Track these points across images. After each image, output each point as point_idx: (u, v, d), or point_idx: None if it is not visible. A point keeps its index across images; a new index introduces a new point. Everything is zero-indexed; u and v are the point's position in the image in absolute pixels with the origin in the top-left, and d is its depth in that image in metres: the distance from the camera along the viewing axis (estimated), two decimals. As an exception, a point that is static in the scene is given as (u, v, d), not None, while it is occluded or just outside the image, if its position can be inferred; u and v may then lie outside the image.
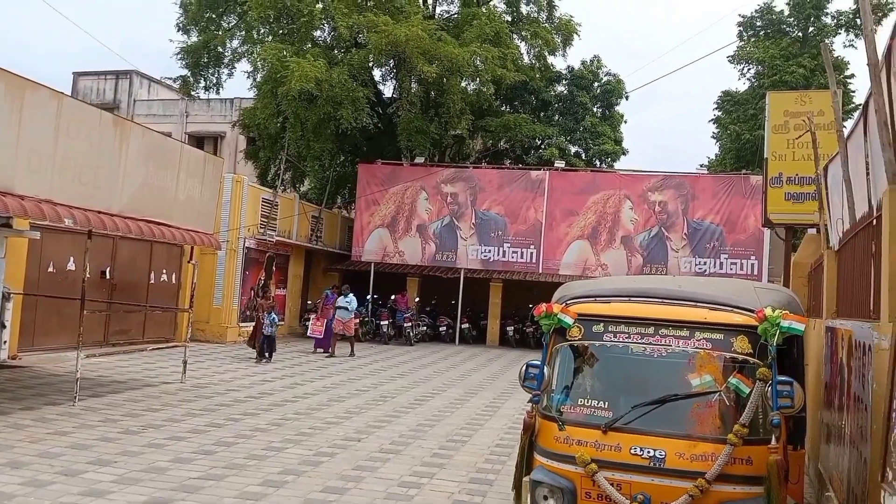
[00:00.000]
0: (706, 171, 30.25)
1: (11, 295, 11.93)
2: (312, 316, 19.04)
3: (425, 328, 23.07)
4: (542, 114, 28.63)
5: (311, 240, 23.74)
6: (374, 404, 11.04)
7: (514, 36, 26.03)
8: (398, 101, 25.01)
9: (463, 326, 23.29)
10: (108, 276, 15.46)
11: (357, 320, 18.79)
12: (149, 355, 14.57)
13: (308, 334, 18.96)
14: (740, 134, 27.92)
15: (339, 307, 17.21)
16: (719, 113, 31.27)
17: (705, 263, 22.43)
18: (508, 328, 23.19)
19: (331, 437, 8.55)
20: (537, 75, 27.28)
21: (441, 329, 23.37)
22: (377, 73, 25.74)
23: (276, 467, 7.07)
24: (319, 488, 6.47)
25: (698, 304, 4.69)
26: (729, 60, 29.56)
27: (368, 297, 22.80)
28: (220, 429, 8.63)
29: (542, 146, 28.62)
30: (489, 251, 23.57)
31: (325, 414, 10.02)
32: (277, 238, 21.29)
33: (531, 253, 23.34)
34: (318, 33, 24.68)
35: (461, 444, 8.71)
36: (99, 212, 9.23)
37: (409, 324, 21.69)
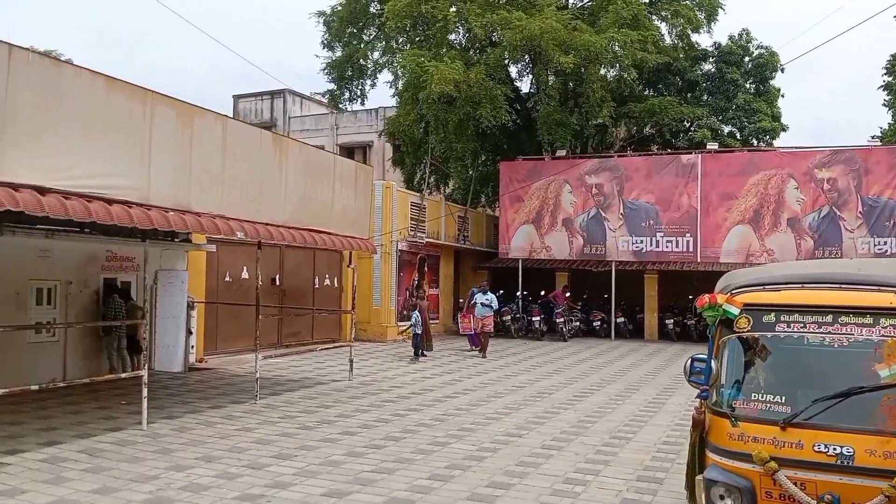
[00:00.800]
0: (879, 143, 27.47)
1: (195, 303, 13.13)
2: (460, 314, 19.40)
3: (578, 323, 22.72)
4: (689, 95, 27.30)
5: (458, 239, 24.15)
6: (532, 401, 11.03)
7: (654, 17, 25.01)
8: (536, 96, 24.84)
9: (618, 320, 22.68)
10: (277, 283, 16.60)
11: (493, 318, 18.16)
12: (318, 355, 15.48)
13: (461, 332, 19.30)
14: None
15: (482, 304, 17.04)
16: (890, 78, 28.27)
17: (885, 243, 20.41)
18: (667, 321, 22.29)
19: (492, 433, 8.65)
20: (681, 55, 26.05)
21: (595, 324, 22.90)
22: (513, 70, 25.72)
23: (442, 462, 7.26)
24: (485, 483, 6.56)
25: (882, 287, 4.27)
26: (897, 19, 26.67)
27: (518, 293, 22.83)
28: (388, 424, 8.99)
29: (692, 128, 27.28)
30: (641, 241, 22.81)
31: (485, 410, 10.15)
32: (427, 239, 21.85)
33: (687, 241, 22.33)
34: (453, 36, 25.04)
35: (626, 440, 8.49)
36: (266, 224, 9.91)
37: (562, 319, 21.45)
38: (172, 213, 8.18)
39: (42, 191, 6.72)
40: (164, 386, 11.14)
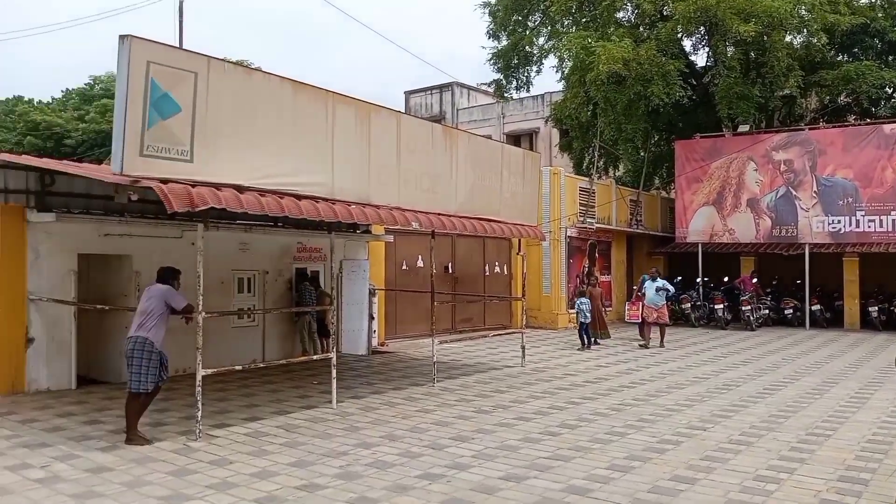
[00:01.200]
0: None
1: (376, 291, 13.82)
2: (628, 301, 18.77)
3: (767, 311, 21.09)
4: (890, 58, 24.32)
5: (631, 224, 23.39)
6: (716, 393, 10.45)
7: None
8: (713, 69, 23.35)
9: (813, 308, 20.78)
10: (450, 271, 17.06)
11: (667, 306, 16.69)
12: (490, 341, 15.72)
13: (626, 320, 18.72)
14: None
15: (656, 291, 15.72)
16: None
17: None
18: (871, 309, 20.07)
19: (674, 425, 8.30)
20: (880, 14, 23.27)
21: (787, 312, 21.10)
22: (687, 44, 24.39)
23: (620, 452, 7.08)
24: (667, 476, 6.31)
25: None
26: None
27: (698, 279, 21.69)
28: (562, 412, 8.93)
29: (895, 95, 24.35)
30: (838, 222, 20.76)
31: (665, 401, 9.77)
32: (597, 225, 21.38)
33: (893, 220, 20.03)
34: (621, 14, 24.20)
35: (824, 437, 7.79)
36: (438, 214, 10.19)
37: (749, 307, 20.03)
38: (354, 207, 8.65)
39: (241, 189, 7.37)
40: (351, 367, 11.84)
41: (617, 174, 26.64)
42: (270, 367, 10.98)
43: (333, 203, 8.39)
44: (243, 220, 10.42)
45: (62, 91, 45.19)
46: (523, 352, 12.74)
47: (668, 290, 15.84)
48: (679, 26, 21.54)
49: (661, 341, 15.86)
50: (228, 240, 11.16)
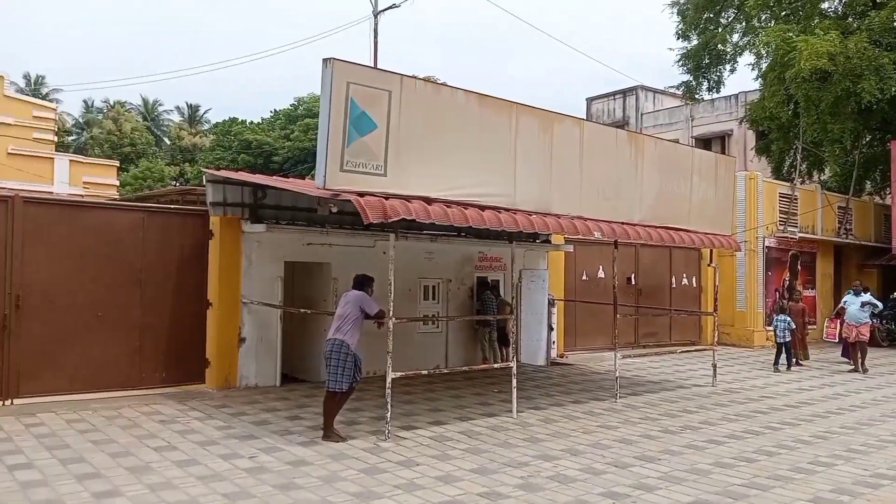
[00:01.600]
0: None
1: (555, 301, 13.74)
2: (828, 319, 16.98)
3: None
4: None
5: (839, 233, 21.26)
6: (943, 424, 9.20)
7: None
8: (940, 58, 20.61)
9: None
10: (633, 282, 16.53)
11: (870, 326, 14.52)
12: (677, 357, 15.02)
13: (823, 338, 16.99)
14: None
15: (860, 307, 13.96)
16: None
17: None
18: None
19: (890, 458, 7.43)
20: None
21: None
22: (905, 32, 21.71)
23: (826, 484, 6.46)
24: (885, 516, 5.66)
25: None
26: None
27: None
28: (759, 437, 8.31)
29: None
30: None
31: (879, 431, 8.76)
32: (800, 234, 19.68)
33: None
34: (826, 4, 22.17)
35: None
36: (622, 223, 9.93)
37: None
38: (535, 216, 8.68)
39: (428, 201, 7.69)
40: (530, 378, 11.86)
41: (822, 178, 24.34)
42: (453, 373, 11.29)
43: (515, 213, 8.48)
44: (430, 230, 10.84)
45: (270, 112, 49.84)
46: (714, 370, 12.02)
47: (874, 306, 14.23)
48: (896, 13, 19.28)
49: (862, 364, 14.02)
50: (415, 249, 11.66)
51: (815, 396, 11.14)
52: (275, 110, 49.78)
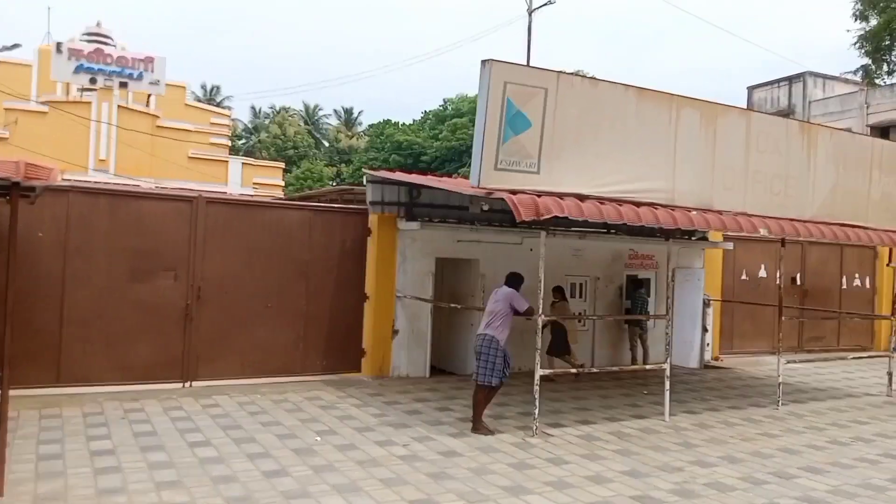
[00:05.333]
0: None
1: (711, 301, 13.13)
2: None
3: None
4: None
5: None
6: None
7: None
8: None
9: None
10: (798, 282, 15.45)
11: None
12: (847, 364, 13.88)
13: None
14: None
15: None
16: None
17: None
18: None
19: None
20: None
21: None
22: None
23: None
24: None
25: None
26: None
27: None
28: (946, 455, 7.54)
29: None
30: None
31: None
32: None
33: None
34: None
35: None
36: (791, 220, 9.33)
37: None
38: (695, 213, 8.37)
39: (581, 198, 7.65)
40: (682, 380, 11.43)
41: None
42: (601, 372, 11.12)
43: (673, 209, 8.22)
44: (579, 227, 10.74)
45: (421, 113, 51.29)
46: (890, 378, 10.99)
47: None
48: None
49: None
50: (563, 246, 11.59)
51: None
52: (425, 111, 51.17)
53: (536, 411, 7.69)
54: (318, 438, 7.19)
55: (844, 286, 16.37)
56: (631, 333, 12.49)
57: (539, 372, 7.67)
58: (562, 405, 9.26)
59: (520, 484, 6.03)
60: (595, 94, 8.03)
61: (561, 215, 7.27)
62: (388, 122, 51.02)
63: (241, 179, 26.28)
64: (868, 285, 16.77)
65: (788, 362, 11.14)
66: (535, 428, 7.64)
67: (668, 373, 8.69)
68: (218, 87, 53.86)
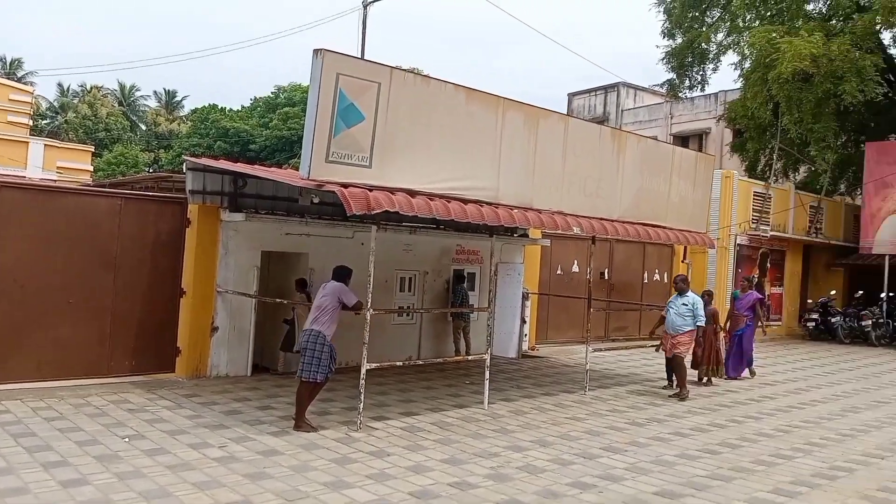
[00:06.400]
0: None
1: (529, 294, 13.86)
2: None
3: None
4: None
5: (809, 233, 21.67)
6: (901, 421, 9.50)
7: None
8: (915, 64, 21.07)
9: None
10: (606, 277, 16.73)
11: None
12: (647, 352, 15.21)
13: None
14: None
15: (675, 314, 10.72)
16: None
17: None
18: None
19: (847, 451, 7.68)
20: None
21: None
22: (886, 36, 22.17)
23: (786, 476, 6.67)
24: (840, 508, 5.87)
25: None
26: None
27: (883, 295, 19.72)
28: (723, 429, 8.52)
29: None
30: None
31: (838, 425, 9.03)
32: (771, 233, 20.03)
33: None
34: (810, 6, 22.51)
35: None
36: (601, 219, 10.05)
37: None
38: (517, 211, 8.77)
39: (412, 193, 7.74)
40: (501, 370, 11.98)
41: (797, 178, 24.75)
42: (426, 364, 11.37)
43: (497, 207, 8.55)
44: (410, 222, 10.88)
45: (251, 99, 49.46)
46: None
47: (695, 315, 10.57)
48: (878, 17, 19.61)
49: (681, 390, 10.50)
50: (393, 241, 11.69)
51: (777, 391, 11.40)
52: (255, 98, 49.39)
53: (361, 406, 7.71)
54: (127, 440, 6.73)
55: (646, 280, 17.98)
56: (455, 326, 12.89)
57: (366, 366, 7.69)
58: (387, 398, 9.36)
59: (341, 479, 6.02)
60: (427, 92, 8.16)
61: (392, 210, 7.32)
62: (214, 107, 48.67)
63: (42, 162, 23.83)
64: (666, 280, 18.51)
65: (595, 351, 12.05)
66: (359, 422, 7.65)
67: (488, 363, 9.07)
68: (20, 61, 48.63)
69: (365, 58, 11.84)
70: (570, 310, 15.24)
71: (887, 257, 20.22)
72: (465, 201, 8.24)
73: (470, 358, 11.00)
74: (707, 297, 11.95)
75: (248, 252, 10.44)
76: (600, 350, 13.06)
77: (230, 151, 41.22)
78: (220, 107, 48.68)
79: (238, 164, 11.45)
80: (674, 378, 10.95)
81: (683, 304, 10.68)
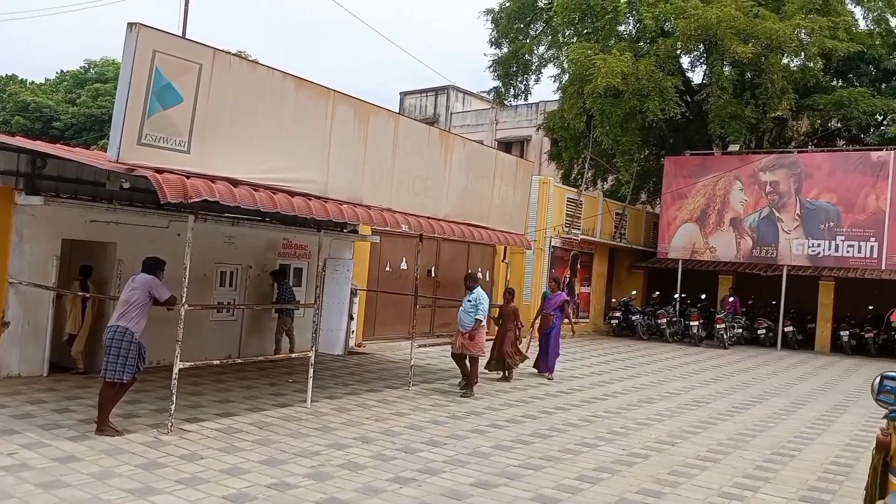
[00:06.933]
0: None
1: (357, 291, 13.84)
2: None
3: (741, 330, 21.40)
4: (883, 85, 24.70)
5: (615, 237, 23.58)
6: (686, 409, 10.61)
7: (847, 1, 22.93)
8: (708, 87, 23.61)
9: (786, 330, 21.14)
10: (433, 275, 17.11)
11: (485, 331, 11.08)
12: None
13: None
14: None
15: (463, 311, 10.82)
16: None
17: None
18: (842, 333, 20.46)
19: (644, 439, 8.43)
20: (877, 42, 23.62)
21: (760, 332, 21.48)
22: (685, 61, 24.66)
23: (590, 463, 7.19)
24: (635, 489, 6.42)
25: None
26: None
27: (676, 296, 21.96)
28: (535, 420, 9.03)
29: (885, 122, 24.74)
30: (818, 245, 21.06)
31: (636, 415, 9.90)
32: (582, 236, 21.53)
33: (871, 247, 20.32)
34: (622, 28, 24.41)
35: (788, 458, 7.95)
36: (428, 217, 10.25)
37: (723, 325, 20.31)
38: (346, 206, 8.69)
39: (235, 183, 7.40)
40: (327, 367, 11.86)
41: (605, 187, 26.84)
42: (247, 363, 10.97)
43: (326, 201, 8.42)
44: (232, 213, 10.42)
45: (57, 72, 44.92)
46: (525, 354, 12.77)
47: (477, 310, 10.61)
48: (679, 43, 21.75)
49: (469, 384, 10.56)
50: (214, 232, 11.16)
51: (584, 384, 12.30)
52: (61, 71, 44.96)
53: (173, 407, 7.26)
54: None
55: (470, 278, 18.60)
56: (280, 323, 12.53)
57: (178, 365, 7.25)
58: (202, 399, 8.91)
59: (148, 485, 5.63)
60: (254, 78, 7.84)
61: (212, 199, 6.95)
62: (13, 78, 43.69)
63: None
64: (489, 278, 19.31)
65: (421, 346, 12.29)
66: (170, 424, 7.20)
67: (312, 360, 8.92)
68: None
69: (186, 37, 11.19)
70: (398, 306, 15.43)
71: (680, 262, 22.54)
72: (293, 193, 8.04)
73: (294, 356, 10.76)
74: (508, 294, 12.36)
75: (46, 240, 9.48)
76: (425, 346, 13.34)
77: (30, 128, 37.22)
78: (20, 78, 43.76)
79: (37, 142, 10.34)
80: (484, 372, 11.23)
81: (468, 300, 10.74)
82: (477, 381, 10.77)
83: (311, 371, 8.89)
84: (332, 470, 6.37)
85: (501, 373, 12.10)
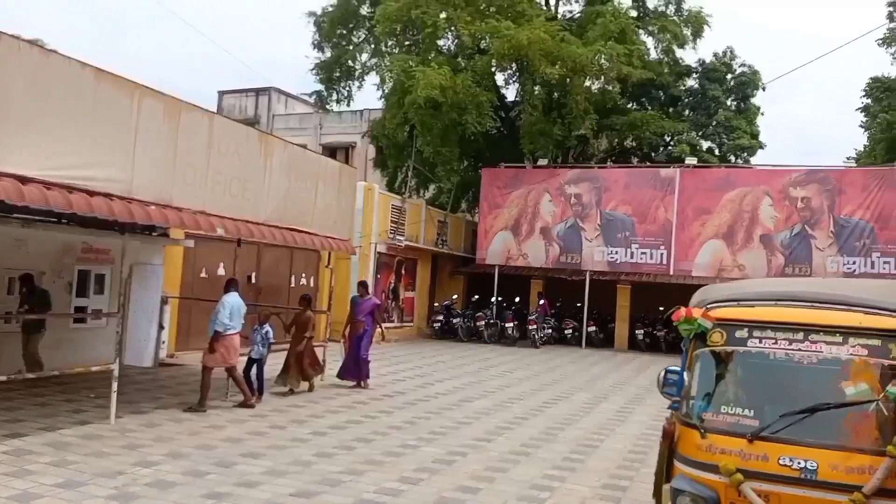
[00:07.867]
0: (854, 164, 28.10)
1: (169, 299, 13.04)
2: None
3: (550, 331, 22.93)
4: (671, 109, 27.69)
5: (437, 244, 24.22)
6: (502, 407, 11.13)
7: (641, 31, 25.40)
8: (520, 105, 25.04)
9: (590, 329, 22.93)
10: (253, 281, 16.53)
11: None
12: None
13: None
14: (892, 123, 25.65)
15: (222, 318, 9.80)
16: (868, 101, 28.90)
17: (854, 263, 20.85)
18: (638, 332, 22.61)
19: (462, 438, 8.72)
20: (665, 70, 26.42)
21: (567, 332, 23.14)
22: (500, 78, 25.94)
23: (411, 465, 7.31)
24: (453, 487, 6.63)
25: (852, 307, 4.40)
26: (878, 44, 27.27)
27: (493, 299, 23.02)
28: (359, 426, 9.03)
29: (672, 143, 27.70)
30: (616, 252, 23.06)
31: (456, 414, 10.22)
32: (406, 243, 21.89)
33: (661, 254, 22.61)
34: (442, 42, 25.19)
35: (593, 448, 8.62)
36: (247, 221, 9.90)
37: (534, 326, 21.63)
38: (153, 208, 8.15)
39: (24, 180, 6.68)
40: (134, 381, 11.05)
41: (427, 195, 27.50)
42: (42, 378, 9.94)
43: (130, 202, 7.84)
44: (21, 213, 9.38)
45: None
46: (324, 364, 12.64)
47: (215, 318, 9.77)
48: (494, 61, 22.85)
49: (200, 400, 9.44)
50: (2, 235, 9.99)
51: (408, 387, 12.50)
52: None
53: (-53, 430, 6.42)
54: None
55: (293, 284, 18.22)
56: (28, 338, 10.38)
57: (-46, 382, 6.41)
58: (-14, 419, 7.95)
59: (-86, 521, 4.93)
60: (47, 66, 7.14)
61: (-5, 198, 6.23)
62: None
63: None
64: (312, 284, 19.02)
65: (241, 355, 11.76)
66: (-57, 450, 6.36)
67: (116, 373, 8.27)
68: None
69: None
70: (215, 314, 14.70)
71: (497, 267, 23.66)
72: (92, 193, 7.41)
73: (94, 369, 9.87)
74: (304, 301, 11.78)
75: None
76: (244, 354, 12.80)
77: None
78: None
79: None
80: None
81: (226, 303, 9.72)
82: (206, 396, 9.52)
83: (114, 385, 8.24)
84: (138, 490, 5.95)
85: (290, 388, 11.09)
